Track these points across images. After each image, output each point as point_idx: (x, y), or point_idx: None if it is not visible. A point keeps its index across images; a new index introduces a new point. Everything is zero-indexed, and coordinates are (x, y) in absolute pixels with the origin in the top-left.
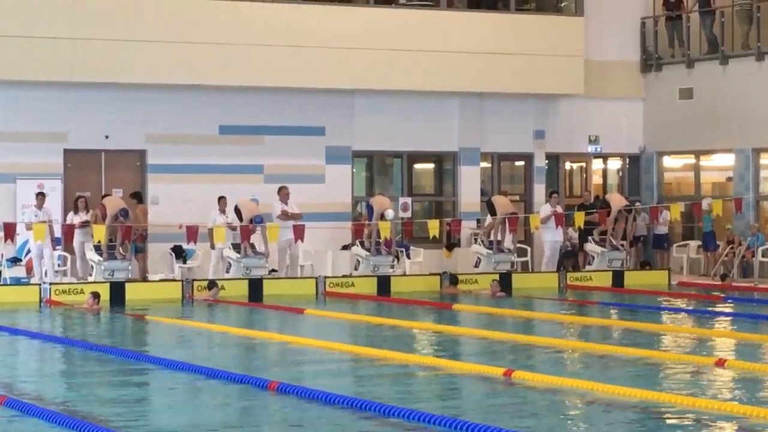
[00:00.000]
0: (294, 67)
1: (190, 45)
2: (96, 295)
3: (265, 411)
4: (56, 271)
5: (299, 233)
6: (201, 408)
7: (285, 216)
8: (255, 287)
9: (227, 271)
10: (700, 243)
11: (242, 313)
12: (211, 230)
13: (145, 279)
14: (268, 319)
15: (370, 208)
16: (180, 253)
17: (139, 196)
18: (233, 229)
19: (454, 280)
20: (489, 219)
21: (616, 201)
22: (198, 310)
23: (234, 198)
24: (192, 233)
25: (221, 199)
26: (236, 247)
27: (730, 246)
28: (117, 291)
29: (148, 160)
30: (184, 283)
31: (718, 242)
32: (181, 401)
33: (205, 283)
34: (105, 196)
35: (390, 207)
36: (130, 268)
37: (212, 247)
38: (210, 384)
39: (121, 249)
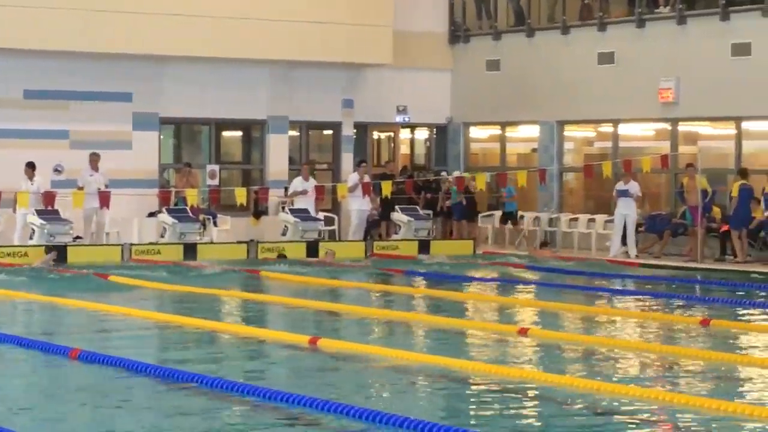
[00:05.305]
0: (101, 32)
1: None
2: None
3: (67, 379)
4: None
5: (105, 200)
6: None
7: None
8: (59, 254)
9: (31, 238)
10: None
11: (45, 280)
12: (15, 195)
13: None
14: (73, 286)
15: None
16: None
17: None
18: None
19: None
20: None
21: None
22: None
23: (42, 164)
24: None
25: (29, 165)
26: (41, 212)
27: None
28: None
29: None
30: None
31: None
32: None
33: (7, 249)
34: None
35: None
36: None
37: (14, 211)
38: (11, 351)
39: None
